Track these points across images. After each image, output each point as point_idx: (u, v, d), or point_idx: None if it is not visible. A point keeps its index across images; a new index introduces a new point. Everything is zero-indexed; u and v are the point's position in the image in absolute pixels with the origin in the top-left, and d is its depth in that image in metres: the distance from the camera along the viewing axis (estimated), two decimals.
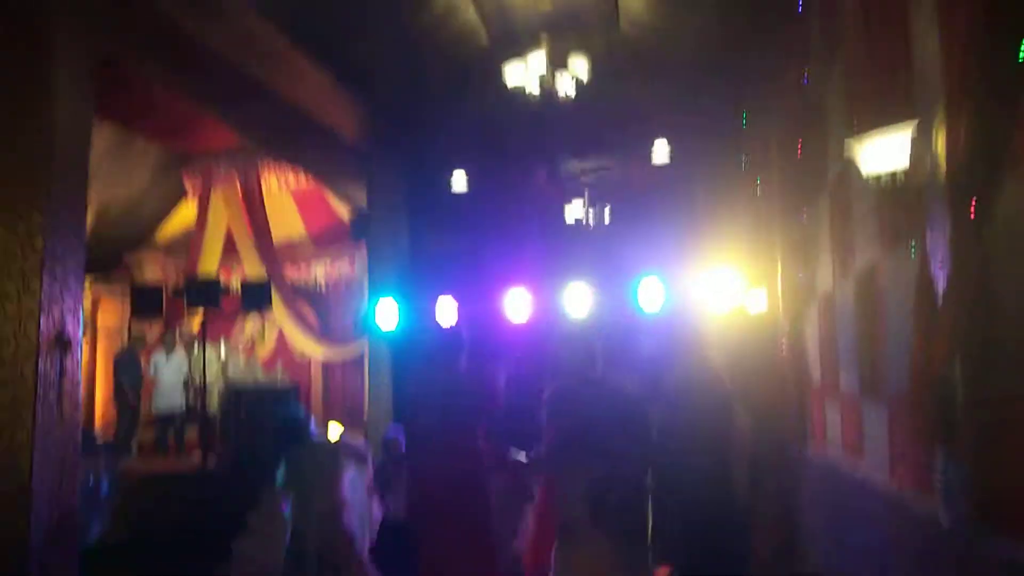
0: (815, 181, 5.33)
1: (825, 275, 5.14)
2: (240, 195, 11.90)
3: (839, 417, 4.80)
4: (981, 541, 2.65)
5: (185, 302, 9.52)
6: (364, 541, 5.24)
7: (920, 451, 3.31)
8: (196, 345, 10.27)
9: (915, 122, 3.17)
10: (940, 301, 2.96)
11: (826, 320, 5.14)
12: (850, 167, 4.40)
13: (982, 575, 2.64)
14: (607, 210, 10.25)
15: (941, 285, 2.95)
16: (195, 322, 11.03)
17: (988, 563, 2.62)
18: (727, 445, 4.39)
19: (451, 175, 9.52)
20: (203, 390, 9.99)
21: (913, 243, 3.37)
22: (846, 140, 3.61)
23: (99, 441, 5.53)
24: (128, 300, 10.24)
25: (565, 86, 6.87)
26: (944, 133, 2.96)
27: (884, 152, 3.30)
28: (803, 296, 5.78)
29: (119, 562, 6.81)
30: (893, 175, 3.30)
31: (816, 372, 5.42)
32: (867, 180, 3.72)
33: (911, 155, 3.18)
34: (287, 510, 5.27)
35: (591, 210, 10.30)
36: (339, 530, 5.08)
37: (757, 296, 6.43)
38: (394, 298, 8.50)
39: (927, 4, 3.23)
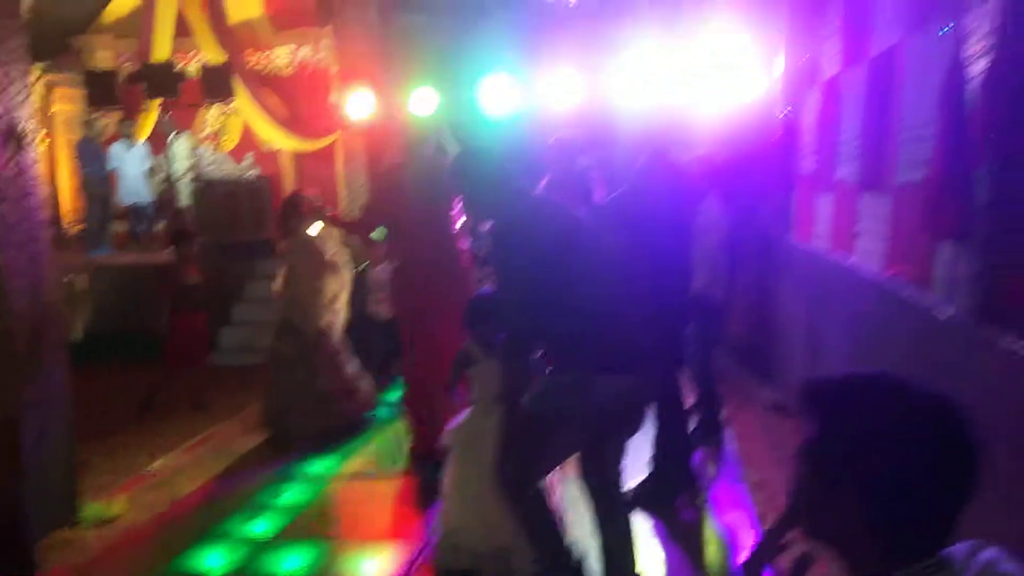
0: None
1: (832, 58, 4.83)
2: None
3: (832, 208, 4.71)
4: (984, 334, 2.64)
5: (144, 90, 8.91)
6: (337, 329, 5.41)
7: (923, 243, 3.24)
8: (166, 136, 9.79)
9: None
10: (975, 88, 2.74)
11: (828, 108, 4.90)
12: None
13: (980, 367, 2.65)
14: None
15: (979, 69, 2.71)
16: (153, 111, 10.44)
17: (988, 355, 2.62)
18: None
19: None
20: (171, 182, 9.65)
21: (946, 26, 3.09)
22: None
23: (70, 234, 5.33)
24: (82, 88, 9.56)
25: None
26: None
27: None
28: (804, 81, 5.49)
29: (107, 351, 6.89)
30: None
31: (810, 162, 5.27)
32: None
33: None
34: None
35: None
36: (316, 315, 5.23)
37: (757, 83, 6.11)
38: (366, 88, 8.02)
39: None
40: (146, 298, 7.93)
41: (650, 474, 4.22)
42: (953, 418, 1.14)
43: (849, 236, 4.32)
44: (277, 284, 5.45)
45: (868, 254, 4.00)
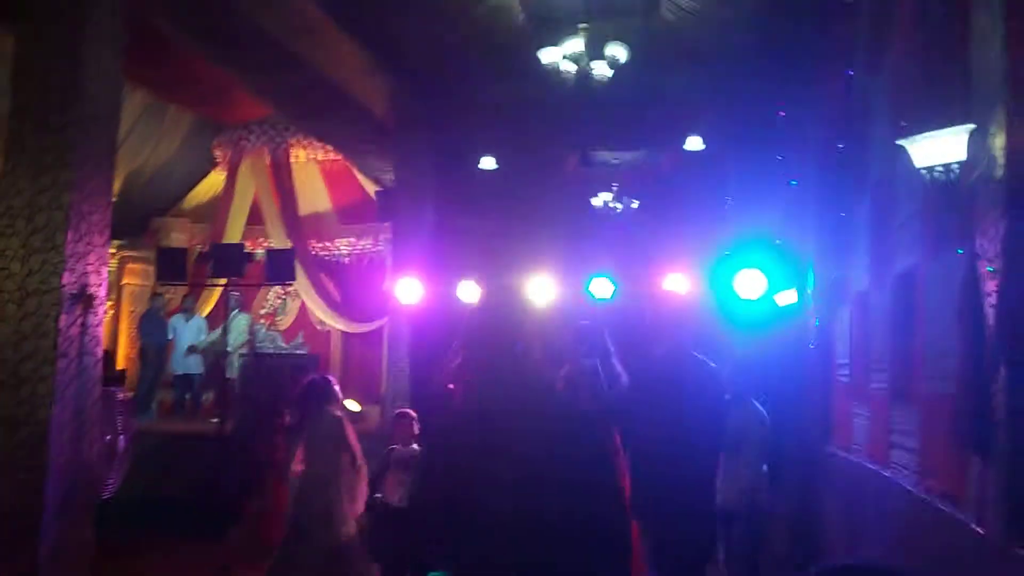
0: (856, 180, 5.19)
1: (861, 276, 5.01)
2: (268, 166, 11.89)
3: (867, 419, 4.69)
4: (1015, 554, 2.55)
5: (210, 268, 9.51)
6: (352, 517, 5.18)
7: (953, 457, 3.20)
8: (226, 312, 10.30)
9: (971, 126, 3.04)
10: (987, 306, 2.84)
11: (859, 321, 5.02)
12: (896, 167, 4.27)
13: None
14: (636, 200, 10.12)
15: (990, 288, 2.83)
16: (217, 289, 11.06)
17: (1018, 573, 2.52)
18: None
19: (479, 156, 9.42)
20: (224, 355, 10.00)
21: (960, 248, 3.25)
22: (894, 141, 3.48)
23: (120, 398, 5.57)
24: (153, 265, 10.26)
25: (601, 71, 6.72)
26: (1004, 135, 2.84)
27: (936, 154, 3.16)
28: (835, 297, 5.65)
29: (135, 516, 6.86)
30: (944, 176, 3.17)
31: (844, 372, 5.30)
32: (913, 180, 3.60)
33: (967, 157, 3.05)
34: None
35: (619, 199, 10.17)
36: (332, 501, 5.05)
37: (786, 294, 6.30)
38: (416, 278, 8.47)
39: (993, 2, 3.09)
40: (186, 466, 8.02)
41: None
42: None
43: (884, 447, 4.27)
44: (295, 472, 5.28)
45: (902, 466, 3.93)
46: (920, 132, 3.15)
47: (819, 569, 1.21)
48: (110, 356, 8.11)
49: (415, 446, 5.83)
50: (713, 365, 4.35)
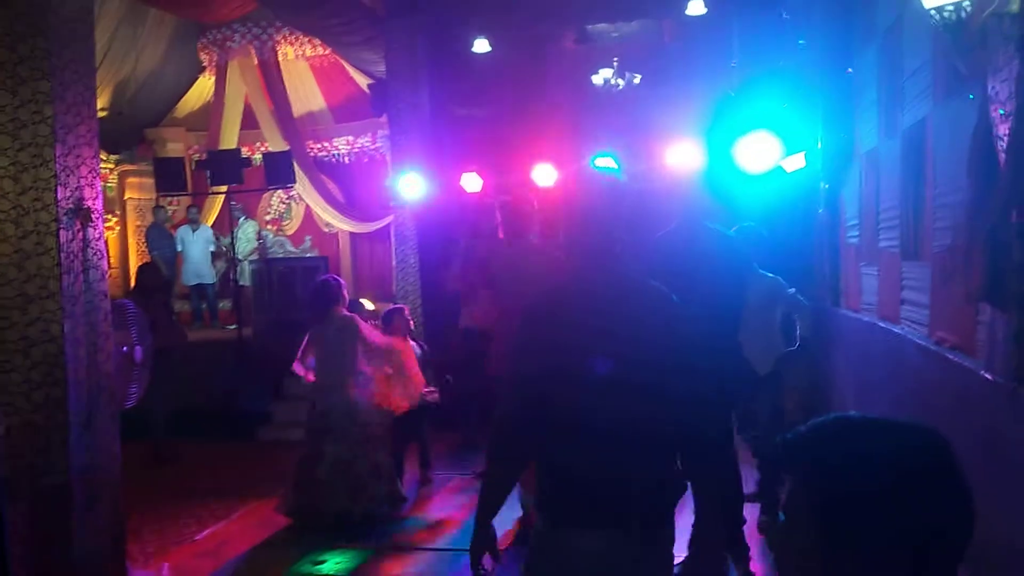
0: (863, 31, 4.97)
1: (869, 133, 4.87)
2: (257, 66, 11.56)
3: (877, 278, 4.66)
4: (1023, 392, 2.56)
5: (208, 177, 9.42)
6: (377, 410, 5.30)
7: (964, 308, 3.19)
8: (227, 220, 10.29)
9: None
10: (1000, 149, 2.75)
11: (868, 180, 4.91)
12: (904, 12, 4.07)
13: (1020, 427, 2.57)
14: (638, 74, 9.79)
15: (1002, 132, 2.72)
16: (218, 197, 11.00)
17: None
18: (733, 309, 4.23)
19: (472, 39, 9.08)
20: (234, 263, 10.05)
21: (972, 92, 3.12)
22: None
23: (133, 310, 5.62)
24: (152, 176, 10.16)
25: None
26: None
27: None
28: (844, 156, 5.52)
29: (162, 424, 7.10)
30: (954, 15, 3.00)
31: (853, 233, 5.24)
32: (923, 25, 3.42)
33: None
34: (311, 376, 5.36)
35: (621, 74, 9.85)
36: (347, 399, 5.16)
37: (796, 158, 6.16)
38: (418, 171, 8.35)
39: None
40: (211, 374, 8.22)
41: (686, 561, 4.04)
42: (941, 451, 1.09)
43: (895, 304, 4.26)
44: (306, 368, 5.36)
45: (913, 321, 3.93)
46: None
47: (811, 425, 1.14)
48: (154, 265, 8.11)
49: (414, 344, 5.92)
50: (729, 234, 4.28)
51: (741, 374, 4.33)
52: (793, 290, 4.81)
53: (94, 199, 4.22)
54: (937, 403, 3.45)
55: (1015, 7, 2.69)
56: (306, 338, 5.36)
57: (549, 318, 2.07)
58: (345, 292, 5.41)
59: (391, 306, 6.41)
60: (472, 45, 9.05)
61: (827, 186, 5.83)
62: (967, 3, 2.82)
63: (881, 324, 4.49)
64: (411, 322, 6.06)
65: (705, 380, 2.02)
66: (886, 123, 4.49)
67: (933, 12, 3.04)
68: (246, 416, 8.08)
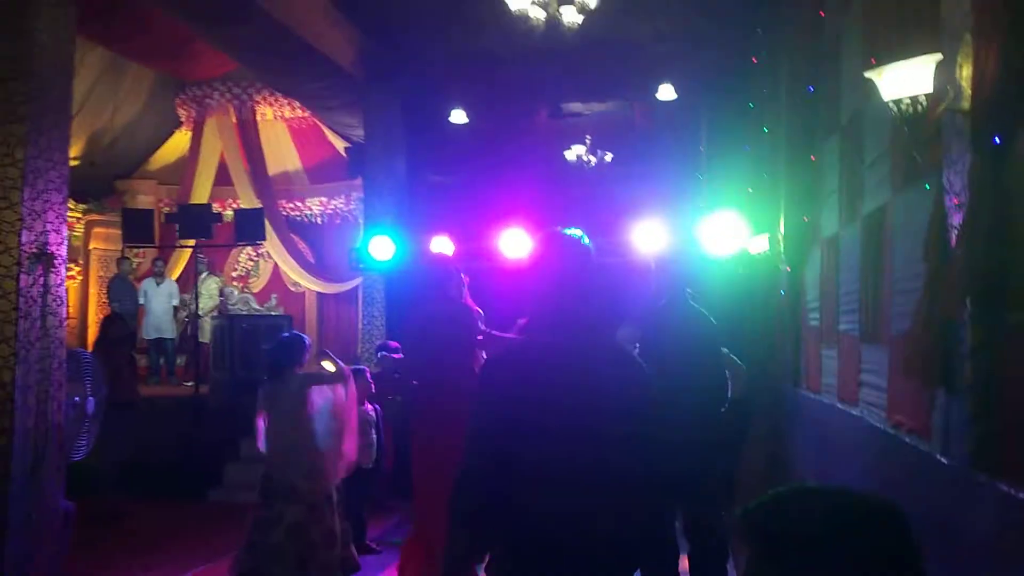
0: (826, 122, 5.18)
1: (831, 219, 5.03)
2: (235, 124, 11.66)
3: (836, 360, 4.74)
4: (979, 480, 2.60)
5: (177, 230, 9.37)
6: (334, 473, 5.16)
7: (920, 392, 3.25)
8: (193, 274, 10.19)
9: (938, 55, 3.02)
10: (954, 238, 2.86)
11: (828, 264, 5.04)
12: (865, 106, 4.26)
13: (980, 512, 2.59)
14: (609, 152, 10.05)
15: (956, 221, 2.84)
16: (186, 251, 10.91)
17: (986, 500, 2.57)
18: (716, 385, 4.30)
19: (450, 110, 9.29)
20: (195, 318, 9.91)
21: (928, 183, 3.25)
22: (863, 76, 3.45)
23: (88, 360, 5.48)
24: (120, 228, 10.07)
25: (571, 17, 6.61)
26: (970, 65, 2.81)
27: (903, 85, 3.14)
28: (806, 240, 5.67)
29: (110, 480, 6.84)
30: (912, 109, 3.16)
31: (814, 315, 5.35)
32: (882, 118, 3.58)
33: (933, 88, 3.03)
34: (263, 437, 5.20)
35: (593, 151, 10.10)
36: (304, 461, 5.01)
37: (759, 240, 6.32)
38: (389, 234, 8.39)
39: None
40: (164, 430, 8.00)
41: None
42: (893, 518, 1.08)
43: (854, 386, 4.32)
44: (261, 438, 5.23)
45: (871, 404, 3.99)
46: (888, 63, 3.12)
47: (771, 494, 1.14)
48: (120, 317, 7.96)
49: (369, 407, 5.85)
50: (712, 319, 4.38)
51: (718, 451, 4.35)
52: (726, 351, 4.90)
53: (59, 245, 4.17)
54: (894, 485, 3.47)
55: (966, 105, 2.83)
56: (259, 394, 5.21)
57: (507, 374, 2.08)
58: (309, 354, 5.30)
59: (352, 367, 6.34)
60: (449, 114, 9.25)
61: (789, 269, 5.96)
62: (923, 97, 2.96)
63: (840, 406, 4.55)
64: (372, 384, 5.99)
65: (658, 448, 2.03)
66: (846, 209, 4.65)
67: (891, 104, 3.19)
68: (198, 476, 7.84)
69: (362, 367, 6.30)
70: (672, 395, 3.58)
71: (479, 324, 4.71)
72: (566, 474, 1.92)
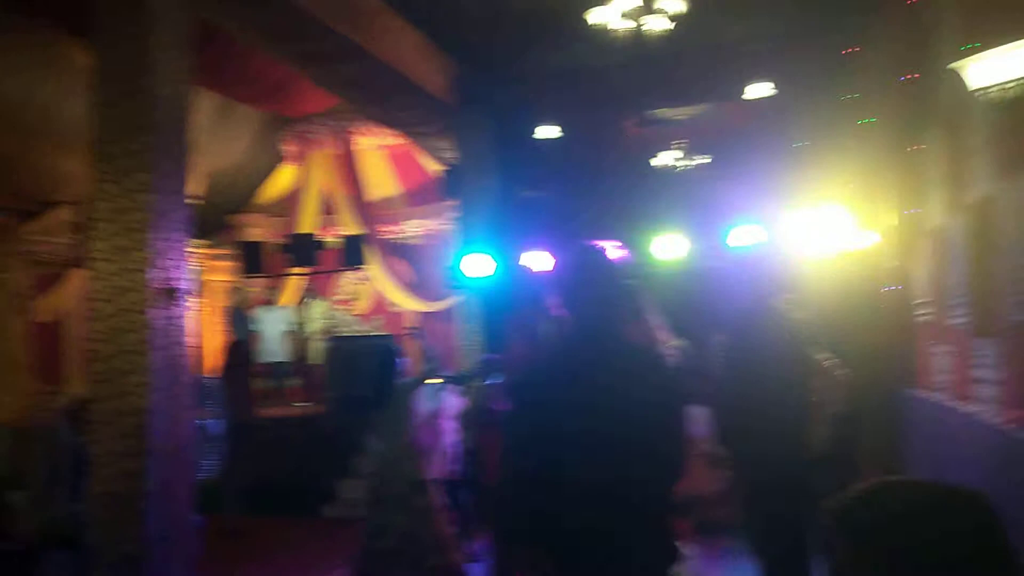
0: (927, 111, 5.00)
1: (936, 211, 4.84)
2: (335, 156, 12.20)
3: (949, 356, 4.55)
4: None
5: (287, 259, 9.88)
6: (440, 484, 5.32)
7: None
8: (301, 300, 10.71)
9: None
10: None
11: (935, 258, 4.86)
12: (966, 94, 4.10)
13: None
14: (702, 156, 9.94)
15: None
16: (295, 278, 11.46)
17: None
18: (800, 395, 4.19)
19: (539, 125, 9.42)
20: (305, 341, 10.38)
21: None
22: (963, 64, 3.34)
23: (207, 385, 5.90)
24: (234, 260, 10.71)
25: (659, 24, 6.61)
26: None
27: (1008, 70, 3.03)
28: (911, 233, 5.47)
29: (233, 498, 7.28)
30: (1003, 96, 3.05)
31: (924, 311, 5.15)
32: (985, 105, 3.46)
33: None
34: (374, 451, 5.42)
35: (684, 155, 10.02)
36: (411, 471, 5.18)
37: (862, 236, 6.13)
38: (484, 251, 8.58)
39: None
40: (278, 451, 8.44)
41: None
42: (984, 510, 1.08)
43: (967, 383, 4.15)
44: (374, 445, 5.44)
45: (985, 401, 3.82)
46: (980, 51, 3.02)
47: (858, 489, 1.16)
48: (243, 343, 8.51)
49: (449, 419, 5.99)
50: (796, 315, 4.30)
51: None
52: (829, 357, 4.77)
53: (181, 279, 4.52)
54: (1010, 483, 3.31)
55: None
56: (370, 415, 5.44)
57: (536, 384, 2.17)
58: (400, 359, 5.49)
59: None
60: (539, 131, 9.39)
61: (896, 264, 5.76)
62: (1012, 84, 2.86)
63: (953, 404, 4.36)
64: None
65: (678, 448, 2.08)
66: (952, 200, 4.47)
67: (988, 91, 3.09)
68: (313, 493, 8.21)
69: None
70: (749, 404, 3.58)
71: None
72: (591, 483, 1.97)
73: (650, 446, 1.99)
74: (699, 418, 4.55)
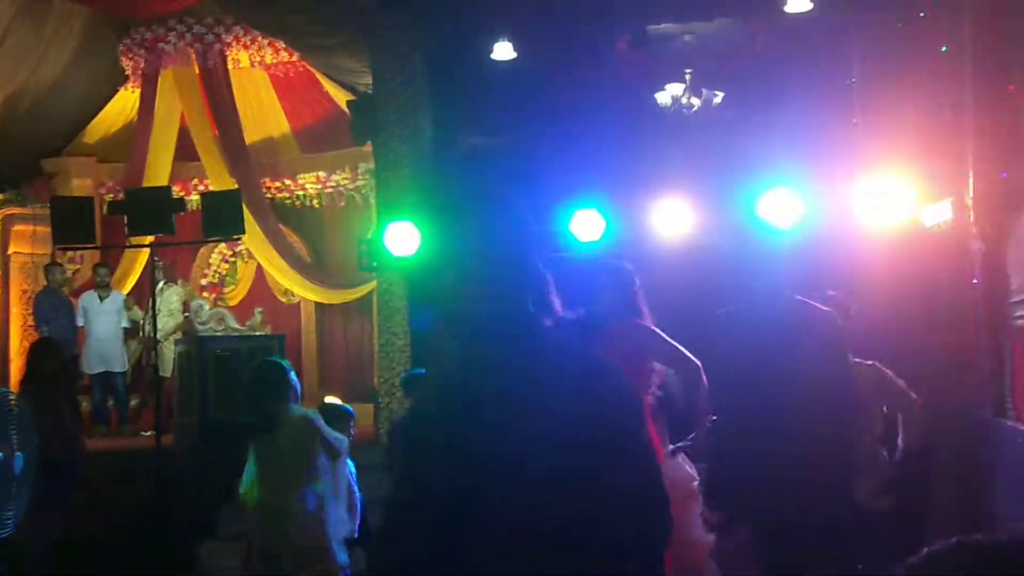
0: None
1: None
2: (198, 77, 11.98)
3: None
4: None
5: (126, 224, 9.65)
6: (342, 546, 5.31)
7: None
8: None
9: None
10: None
11: None
12: None
13: None
14: (717, 92, 10.02)
15: None
16: (139, 252, 11.23)
17: None
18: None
19: (492, 44, 9.37)
20: (154, 344, 10.18)
21: None
22: None
23: (13, 405, 5.69)
24: (48, 223, 10.43)
25: None
26: None
27: None
28: (1006, 206, 5.59)
29: (44, 563, 7.10)
30: None
31: (1021, 311, 5.27)
32: None
33: None
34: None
35: (694, 90, 10.08)
36: (304, 532, 5.15)
37: (937, 208, 6.24)
38: (413, 220, 8.51)
39: None
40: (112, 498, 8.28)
41: None
42: None
43: None
44: (244, 487, 5.37)
45: None
46: None
47: (930, 553, 1.25)
48: (54, 345, 8.23)
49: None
50: (827, 310, 4.38)
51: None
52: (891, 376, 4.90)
53: None
54: None
55: None
56: (250, 454, 5.37)
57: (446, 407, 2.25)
58: (292, 378, 5.42)
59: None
60: (491, 50, 9.32)
61: (984, 247, 5.88)
62: None
63: None
64: (352, 424, 6.12)
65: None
66: None
67: None
68: (163, 558, 8.07)
69: (334, 401, 6.41)
70: (769, 451, 3.69)
71: None
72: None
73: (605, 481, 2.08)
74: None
